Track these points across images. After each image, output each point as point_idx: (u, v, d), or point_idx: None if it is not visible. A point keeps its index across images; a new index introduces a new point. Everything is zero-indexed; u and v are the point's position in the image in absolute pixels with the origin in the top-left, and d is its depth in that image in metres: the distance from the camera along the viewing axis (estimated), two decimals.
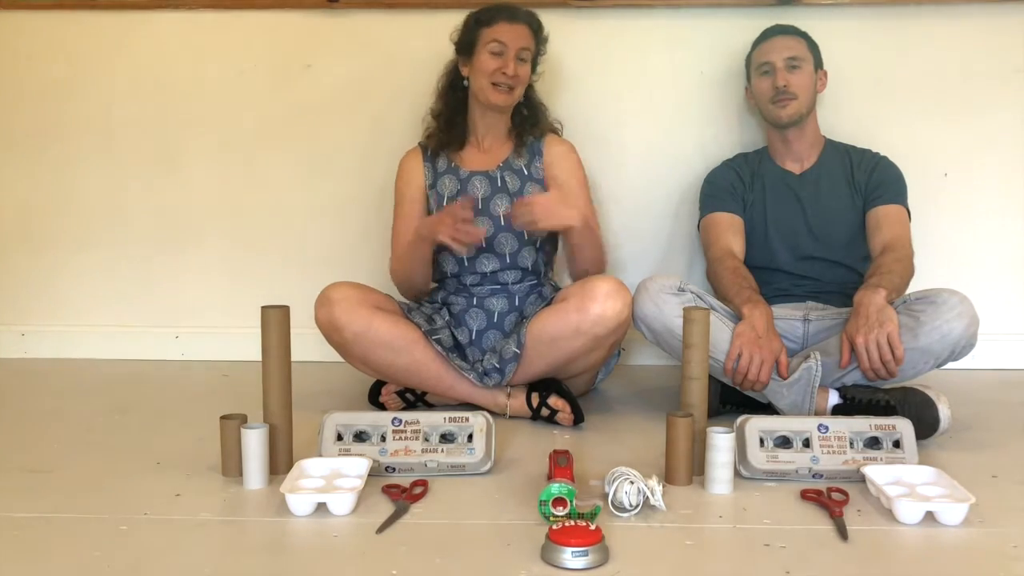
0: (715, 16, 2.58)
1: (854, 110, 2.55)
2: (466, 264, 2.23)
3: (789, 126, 2.27)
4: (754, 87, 2.33)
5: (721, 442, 1.63)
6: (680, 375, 1.74)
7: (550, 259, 2.32)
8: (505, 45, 2.15)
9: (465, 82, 2.24)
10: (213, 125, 2.69)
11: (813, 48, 2.30)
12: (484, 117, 2.25)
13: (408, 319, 2.12)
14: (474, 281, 2.23)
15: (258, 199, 2.72)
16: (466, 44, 2.22)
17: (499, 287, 2.22)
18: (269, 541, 1.44)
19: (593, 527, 1.35)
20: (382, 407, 2.19)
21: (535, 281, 2.25)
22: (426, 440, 1.74)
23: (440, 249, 2.25)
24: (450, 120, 2.28)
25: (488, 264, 2.22)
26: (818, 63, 2.30)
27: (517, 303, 2.21)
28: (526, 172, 2.25)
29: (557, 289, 2.23)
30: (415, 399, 2.19)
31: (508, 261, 2.22)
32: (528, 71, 2.22)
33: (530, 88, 2.30)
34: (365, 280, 2.23)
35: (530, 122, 2.28)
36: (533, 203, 2.00)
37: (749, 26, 2.41)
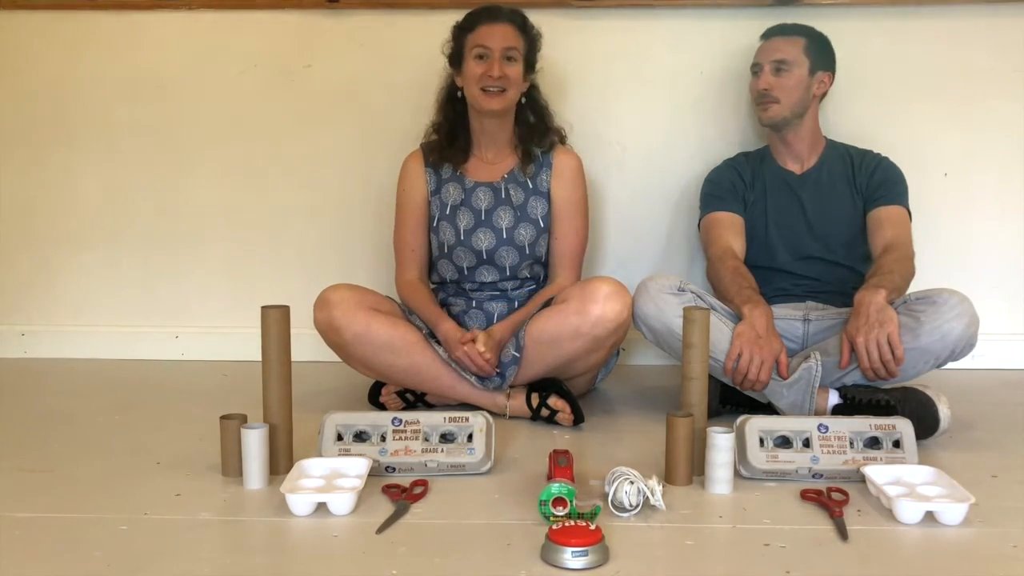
0: (715, 16, 2.58)
1: (854, 110, 2.55)
2: (466, 273, 2.22)
3: (774, 127, 2.27)
4: (749, 85, 2.34)
5: (721, 442, 1.62)
6: (680, 375, 1.74)
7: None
8: (489, 48, 2.11)
9: (460, 93, 2.21)
10: (213, 125, 2.69)
11: (814, 50, 2.25)
12: (484, 126, 2.22)
13: (407, 320, 2.12)
14: (473, 288, 2.24)
15: (258, 199, 2.72)
16: (455, 54, 2.19)
17: (498, 293, 2.23)
18: (269, 541, 1.44)
19: (593, 527, 1.35)
20: (382, 407, 2.19)
21: (534, 286, 2.25)
22: (426, 440, 1.74)
23: (440, 255, 2.24)
24: (451, 133, 2.24)
25: (488, 275, 2.22)
26: (819, 66, 2.26)
27: (516, 306, 2.21)
28: (531, 185, 2.22)
29: None
30: (415, 399, 2.19)
31: (508, 272, 2.21)
32: (518, 71, 2.16)
33: (534, 89, 2.26)
34: (364, 281, 2.23)
35: (538, 132, 2.24)
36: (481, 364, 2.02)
37: (749, 26, 2.41)
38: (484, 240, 2.20)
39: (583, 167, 2.28)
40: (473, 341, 2.01)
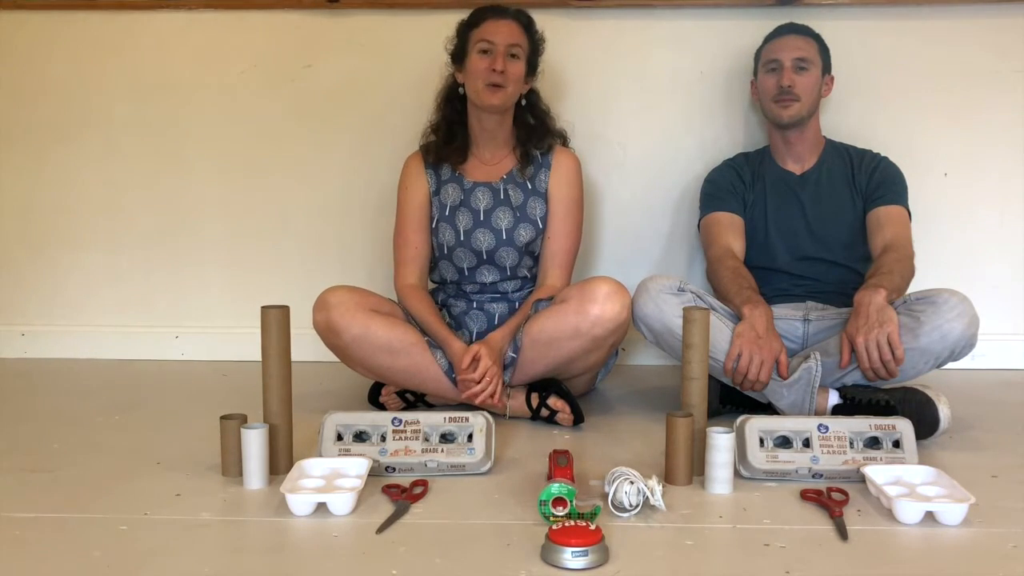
0: (715, 16, 2.58)
1: (854, 110, 2.55)
2: (466, 274, 2.22)
3: (788, 127, 2.26)
4: (759, 83, 2.31)
5: (721, 442, 1.62)
6: (680, 375, 1.74)
7: None
8: (493, 43, 2.11)
9: (461, 90, 2.20)
10: (213, 125, 2.69)
11: (823, 52, 2.28)
12: (483, 124, 2.21)
13: (407, 321, 2.12)
14: (474, 290, 2.23)
15: (258, 199, 2.72)
16: (458, 51, 2.19)
17: (499, 295, 2.22)
18: (269, 541, 1.44)
19: (593, 527, 1.35)
20: (382, 407, 2.19)
21: (533, 287, 2.24)
22: (426, 440, 1.74)
23: (440, 256, 2.24)
24: (450, 132, 2.23)
25: (488, 275, 2.21)
26: (826, 68, 2.29)
27: (517, 306, 2.21)
28: (530, 186, 2.21)
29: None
30: (415, 399, 2.19)
31: (508, 273, 2.21)
32: (521, 69, 2.16)
33: (534, 94, 2.26)
34: (364, 281, 2.23)
35: (537, 134, 2.23)
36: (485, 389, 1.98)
37: (749, 26, 2.41)
38: (484, 240, 2.19)
39: (581, 169, 2.27)
40: (476, 360, 1.98)
